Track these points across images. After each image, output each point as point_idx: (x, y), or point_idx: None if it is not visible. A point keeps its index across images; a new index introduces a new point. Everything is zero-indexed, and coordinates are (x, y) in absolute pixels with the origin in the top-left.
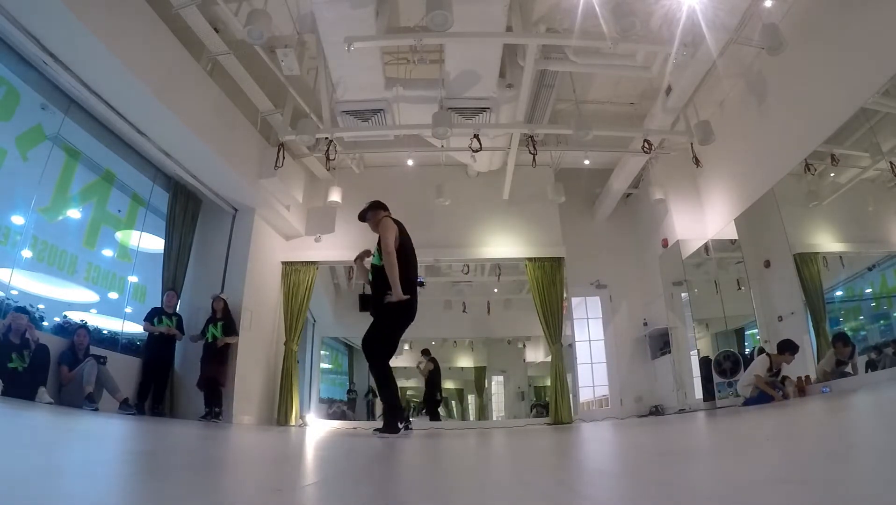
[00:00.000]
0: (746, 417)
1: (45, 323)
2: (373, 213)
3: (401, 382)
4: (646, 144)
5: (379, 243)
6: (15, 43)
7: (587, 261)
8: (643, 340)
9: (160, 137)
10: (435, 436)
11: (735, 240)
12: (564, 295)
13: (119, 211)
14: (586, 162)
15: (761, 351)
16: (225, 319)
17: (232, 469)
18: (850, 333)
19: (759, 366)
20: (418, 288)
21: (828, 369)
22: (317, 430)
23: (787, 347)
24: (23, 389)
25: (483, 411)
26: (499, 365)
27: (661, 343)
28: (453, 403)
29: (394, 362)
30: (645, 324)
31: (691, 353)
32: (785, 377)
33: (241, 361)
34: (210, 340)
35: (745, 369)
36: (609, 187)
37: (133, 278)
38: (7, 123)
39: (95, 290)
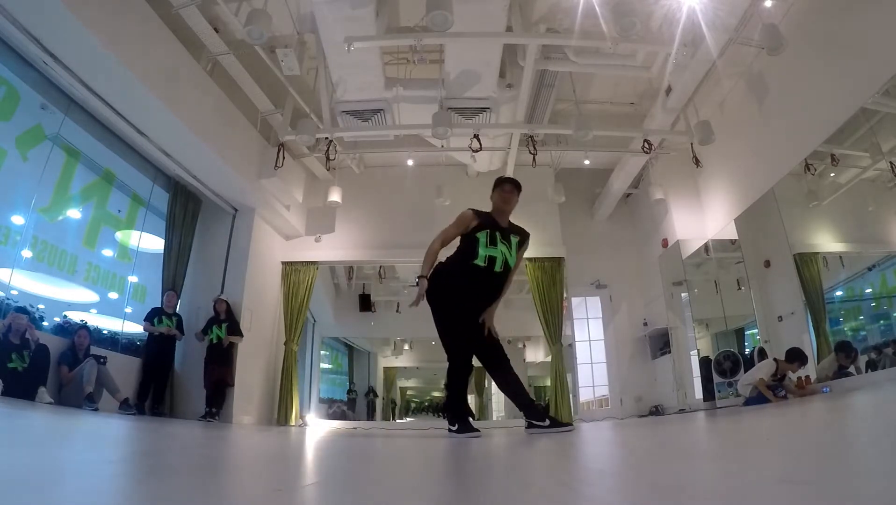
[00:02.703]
0: (746, 416)
1: (45, 323)
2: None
3: (400, 382)
4: (646, 144)
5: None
6: (15, 43)
7: (587, 261)
8: (643, 340)
9: (160, 137)
10: (434, 436)
11: (735, 240)
12: (564, 295)
13: (119, 211)
14: (586, 162)
15: (761, 351)
16: (229, 320)
17: (232, 469)
18: (850, 334)
19: (765, 370)
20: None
21: (829, 373)
22: (317, 430)
23: (797, 358)
24: (23, 389)
25: (483, 411)
26: None
27: (661, 343)
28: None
29: (395, 362)
30: (645, 324)
31: (691, 353)
32: (783, 374)
33: (241, 360)
34: (214, 341)
35: (744, 370)
36: (609, 187)
37: (133, 278)
38: (7, 123)
39: (95, 290)
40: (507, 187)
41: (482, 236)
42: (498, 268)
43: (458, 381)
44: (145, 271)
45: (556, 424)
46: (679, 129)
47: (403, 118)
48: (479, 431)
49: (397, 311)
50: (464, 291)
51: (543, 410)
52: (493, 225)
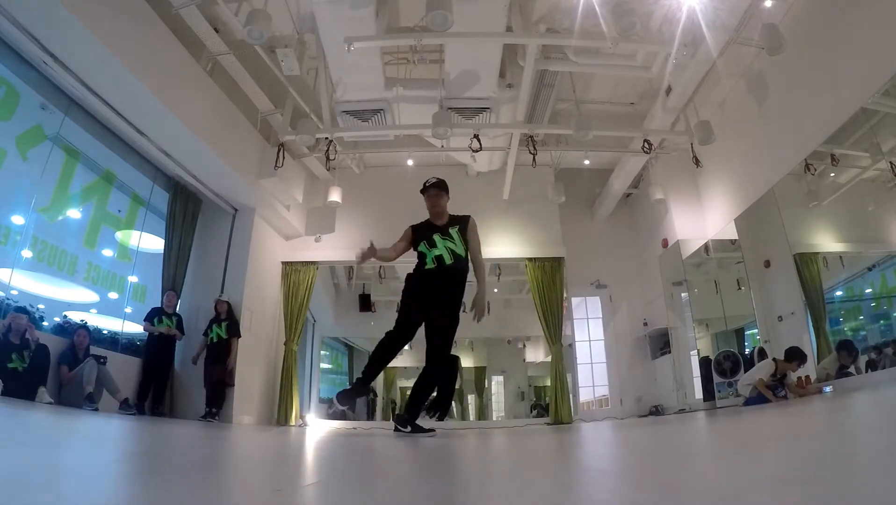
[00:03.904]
0: (747, 417)
1: (45, 323)
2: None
3: (400, 382)
4: (646, 144)
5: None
6: (15, 43)
7: (587, 261)
8: (643, 340)
9: (160, 137)
10: (434, 436)
11: (735, 240)
12: (564, 295)
13: (119, 211)
14: (586, 162)
15: (761, 351)
16: (229, 320)
17: (232, 469)
18: (850, 334)
19: (765, 370)
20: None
21: (830, 372)
22: (317, 430)
23: (796, 357)
24: (23, 389)
25: (483, 411)
26: (499, 365)
27: (661, 343)
28: (453, 402)
29: (395, 362)
30: (645, 324)
31: (691, 353)
32: (783, 375)
33: (242, 360)
34: (214, 340)
35: (744, 370)
36: (609, 187)
37: (133, 278)
38: (7, 123)
39: (95, 290)
40: (431, 192)
41: (422, 247)
42: (448, 261)
43: (374, 355)
44: (145, 271)
45: (419, 429)
46: (679, 129)
47: (403, 118)
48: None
49: (397, 311)
50: (418, 292)
51: (408, 420)
52: (428, 230)
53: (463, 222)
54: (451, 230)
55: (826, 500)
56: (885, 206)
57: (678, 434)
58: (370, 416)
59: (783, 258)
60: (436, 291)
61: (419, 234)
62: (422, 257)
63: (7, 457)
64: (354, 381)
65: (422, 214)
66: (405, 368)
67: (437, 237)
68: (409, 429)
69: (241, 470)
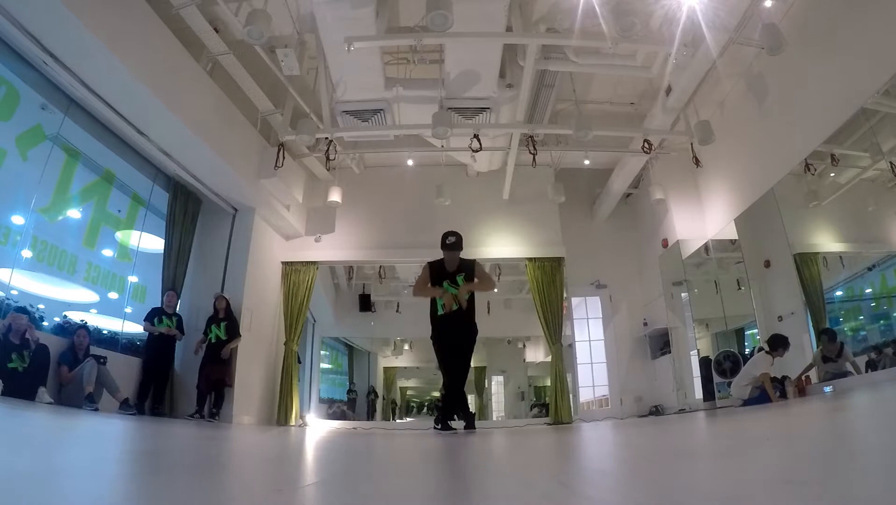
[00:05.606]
0: (747, 417)
1: (45, 323)
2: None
3: (400, 382)
4: (646, 144)
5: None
6: (15, 43)
7: (587, 261)
8: (643, 340)
9: (160, 137)
10: (435, 436)
11: (735, 240)
12: (564, 295)
13: (119, 211)
14: (586, 162)
15: (761, 351)
16: (228, 319)
17: (232, 469)
18: (849, 334)
19: (765, 364)
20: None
21: (813, 361)
22: (317, 430)
23: (780, 343)
24: (23, 389)
25: (483, 411)
26: (499, 365)
27: (661, 343)
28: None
29: (395, 362)
30: (645, 324)
31: (691, 353)
32: (785, 377)
33: (241, 360)
34: (213, 341)
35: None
36: (609, 187)
37: (133, 278)
38: (7, 123)
39: (95, 290)
40: (450, 247)
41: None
42: (454, 306)
43: (450, 391)
44: (145, 271)
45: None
46: (679, 130)
47: (403, 118)
48: (454, 429)
49: (397, 311)
50: (438, 335)
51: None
52: (441, 275)
53: (469, 269)
54: (458, 278)
55: (826, 500)
56: (885, 206)
57: (678, 434)
58: (370, 416)
59: (783, 258)
60: (452, 331)
61: (434, 278)
62: (433, 303)
63: (7, 457)
64: (440, 416)
65: (421, 215)
66: (405, 367)
67: (446, 284)
68: (455, 430)
69: (242, 470)
